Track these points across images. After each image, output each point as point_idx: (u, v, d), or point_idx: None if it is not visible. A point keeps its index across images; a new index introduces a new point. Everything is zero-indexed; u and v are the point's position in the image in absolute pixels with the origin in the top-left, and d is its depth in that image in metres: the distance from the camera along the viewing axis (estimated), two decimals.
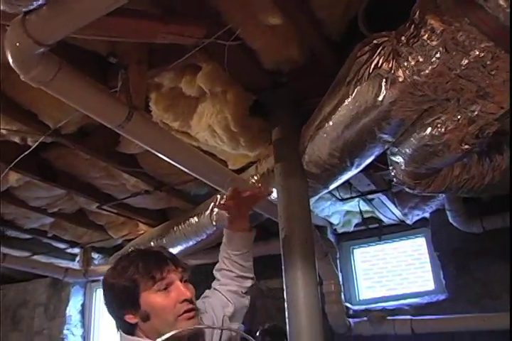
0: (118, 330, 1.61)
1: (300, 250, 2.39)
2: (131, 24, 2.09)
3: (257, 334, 3.93)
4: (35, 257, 5.35)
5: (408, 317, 4.31)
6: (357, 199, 4.16)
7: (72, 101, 2.11)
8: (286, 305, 2.37)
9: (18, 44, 1.77)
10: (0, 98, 2.72)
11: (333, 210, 4.49)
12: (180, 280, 1.59)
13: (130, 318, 1.55)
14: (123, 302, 1.56)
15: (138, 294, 1.54)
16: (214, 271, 1.96)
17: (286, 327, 2.42)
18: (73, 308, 5.90)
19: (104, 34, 2.10)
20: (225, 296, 1.86)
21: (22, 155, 3.03)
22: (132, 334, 1.57)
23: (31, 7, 1.66)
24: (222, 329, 1.75)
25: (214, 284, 1.92)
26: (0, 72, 2.62)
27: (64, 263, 5.57)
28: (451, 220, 4.20)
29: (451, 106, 1.98)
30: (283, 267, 2.43)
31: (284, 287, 2.39)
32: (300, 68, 2.59)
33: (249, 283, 1.94)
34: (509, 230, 3.70)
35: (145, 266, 1.56)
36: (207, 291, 1.89)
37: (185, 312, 1.54)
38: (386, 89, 1.96)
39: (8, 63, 2.49)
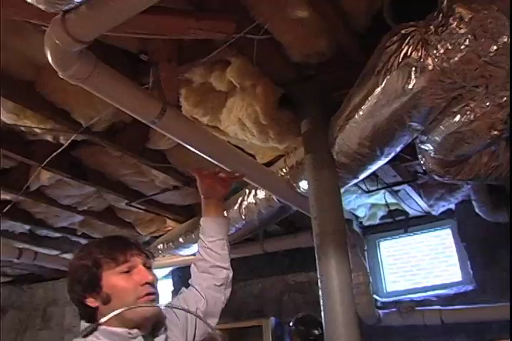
0: (81, 318, 1.60)
1: (332, 238, 2.44)
2: (162, 21, 2.14)
3: (291, 324, 3.97)
4: (64, 255, 5.44)
5: (437, 307, 4.32)
6: (382, 191, 4.17)
7: (108, 98, 2.17)
8: (320, 293, 2.41)
9: (58, 42, 1.82)
10: (34, 97, 2.79)
11: (359, 203, 4.52)
12: (144, 266, 1.58)
13: (91, 302, 1.54)
14: (85, 285, 1.54)
15: (100, 275, 1.53)
16: (191, 266, 1.93)
17: (319, 316, 2.46)
18: None
19: (137, 32, 2.15)
20: (198, 291, 1.84)
21: (55, 153, 3.10)
22: (93, 319, 1.54)
23: (71, 6, 1.72)
24: (196, 325, 1.73)
25: (190, 280, 1.90)
26: (33, 73, 2.71)
27: None
28: (477, 210, 4.20)
29: (480, 93, 2.01)
30: (316, 256, 2.47)
31: (318, 275, 2.43)
32: (327, 61, 2.63)
33: (224, 273, 1.89)
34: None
35: (109, 248, 1.56)
36: (183, 288, 1.88)
37: (146, 295, 1.53)
38: (416, 77, 1.99)
39: (42, 63, 2.59)
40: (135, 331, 1.52)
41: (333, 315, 2.35)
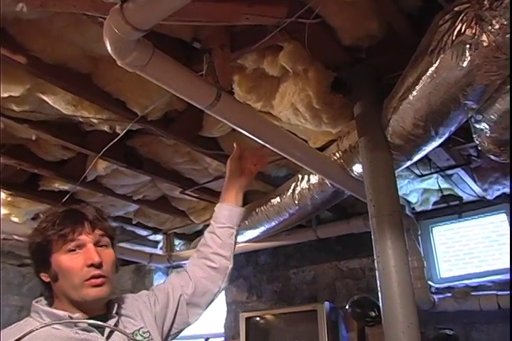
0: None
1: (388, 219, 2.45)
2: (215, 8, 2.17)
3: (347, 307, 3.99)
4: (121, 244, 5.57)
5: (494, 292, 4.27)
6: (435, 176, 4.14)
7: (164, 84, 2.21)
8: (377, 274, 2.42)
9: (116, 31, 1.87)
10: (91, 89, 2.88)
11: (411, 188, 4.48)
12: (95, 244, 1.52)
13: (44, 276, 1.53)
14: (37, 260, 1.54)
15: (49, 252, 1.50)
16: (194, 251, 1.88)
17: (375, 298, 2.47)
18: None
19: (191, 19, 2.18)
20: (190, 277, 1.78)
21: (112, 142, 3.18)
22: (50, 293, 1.55)
23: None
24: (176, 311, 1.70)
25: (186, 265, 1.85)
26: (90, 65, 2.79)
27: (147, 250, 5.77)
28: None
29: None
30: (372, 237, 2.48)
31: (375, 257, 2.44)
32: (378, 43, 2.62)
33: (224, 262, 1.82)
34: None
35: (60, 224, 1.51)
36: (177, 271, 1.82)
37: (93, 277, 1.47)
38: (470, 55, 1.98)
39: (98, 56, 2.66)
40: (77, 315, 1.47)
41: (391, 295, 2.35)
